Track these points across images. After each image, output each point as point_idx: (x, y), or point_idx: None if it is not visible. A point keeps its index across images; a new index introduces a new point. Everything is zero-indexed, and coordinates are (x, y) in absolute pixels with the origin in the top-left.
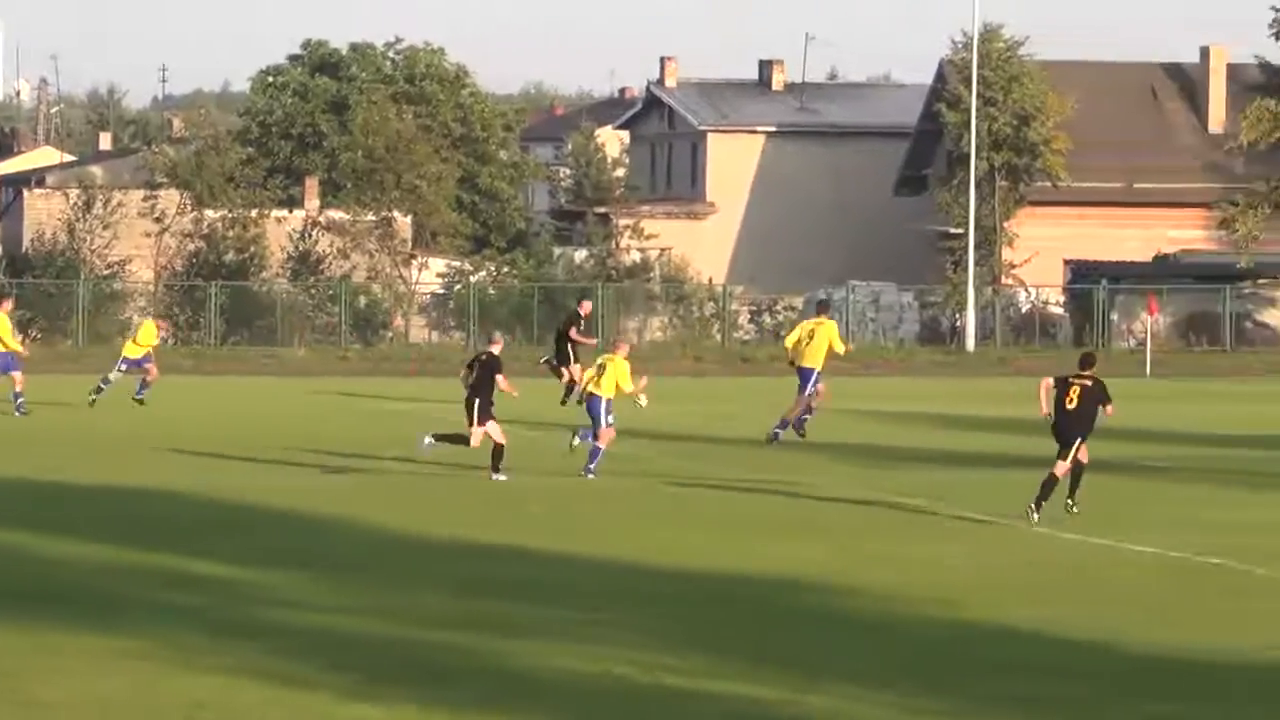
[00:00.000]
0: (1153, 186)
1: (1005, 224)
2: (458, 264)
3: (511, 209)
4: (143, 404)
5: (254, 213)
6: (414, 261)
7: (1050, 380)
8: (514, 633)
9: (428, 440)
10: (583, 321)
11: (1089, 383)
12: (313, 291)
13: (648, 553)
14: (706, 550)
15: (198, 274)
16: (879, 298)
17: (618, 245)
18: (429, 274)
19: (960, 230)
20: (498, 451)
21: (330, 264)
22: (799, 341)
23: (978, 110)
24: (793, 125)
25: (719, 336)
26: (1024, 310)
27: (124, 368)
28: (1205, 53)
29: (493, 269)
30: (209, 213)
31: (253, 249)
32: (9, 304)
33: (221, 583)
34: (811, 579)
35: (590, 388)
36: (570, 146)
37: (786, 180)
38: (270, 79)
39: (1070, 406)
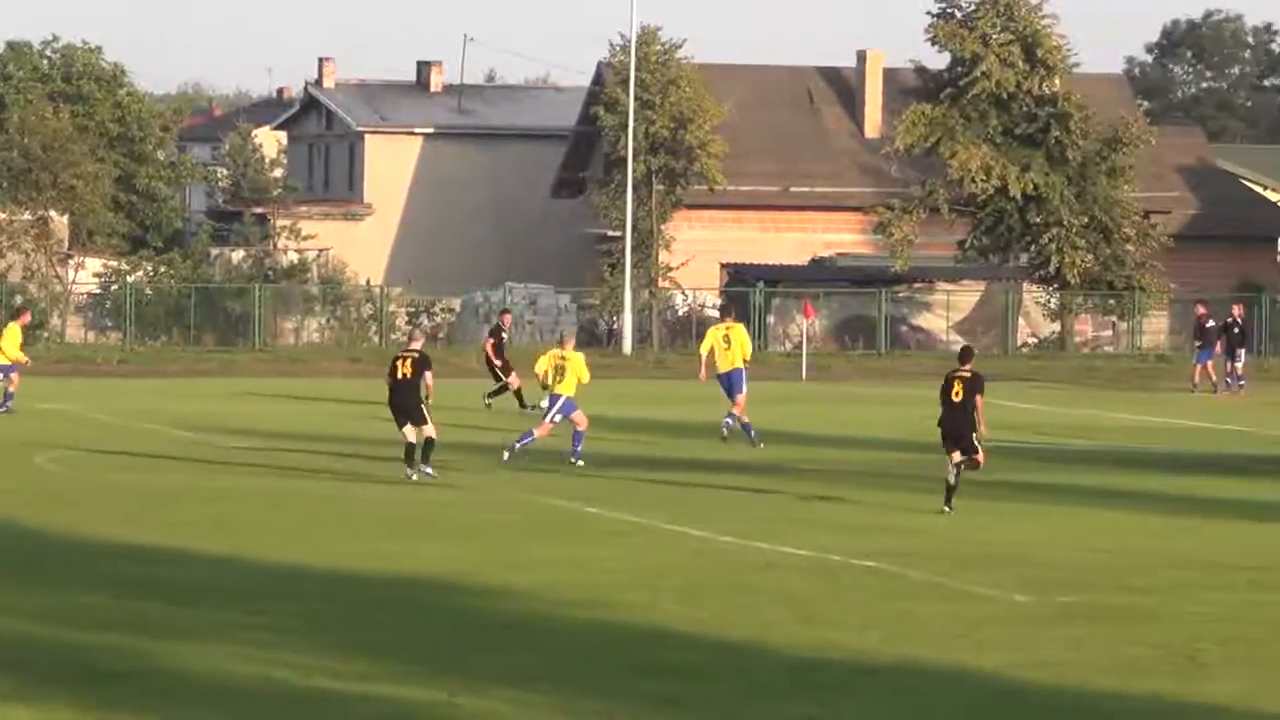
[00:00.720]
0: (809, 190)
1: (662, 227)
2: (114, 264)
3: (169, 209)
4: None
5: None
6: (70, 261)
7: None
8: (172, 635)
9: (428, 472)
10: (504, 336)
11: (967, 375)
12: None
13: (306, 554)
14: (364, 552)
15: None
16: (536, 300)
17: (275, 246)
18: (85, 274)
19: (618, 233)
20: (429, 444)
21: None
22: (713, 349)
23: (635, 113)
24: (451, 127)
25: (376, 338)
26: (681, 313)
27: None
28: (862, 57)
29: (150, 269)
30: None
31: None
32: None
33: None
34: (468, 581)
35: (554, 389)
36: (227, 146)
37: (445, 182)
38: None
39: (955, 400)
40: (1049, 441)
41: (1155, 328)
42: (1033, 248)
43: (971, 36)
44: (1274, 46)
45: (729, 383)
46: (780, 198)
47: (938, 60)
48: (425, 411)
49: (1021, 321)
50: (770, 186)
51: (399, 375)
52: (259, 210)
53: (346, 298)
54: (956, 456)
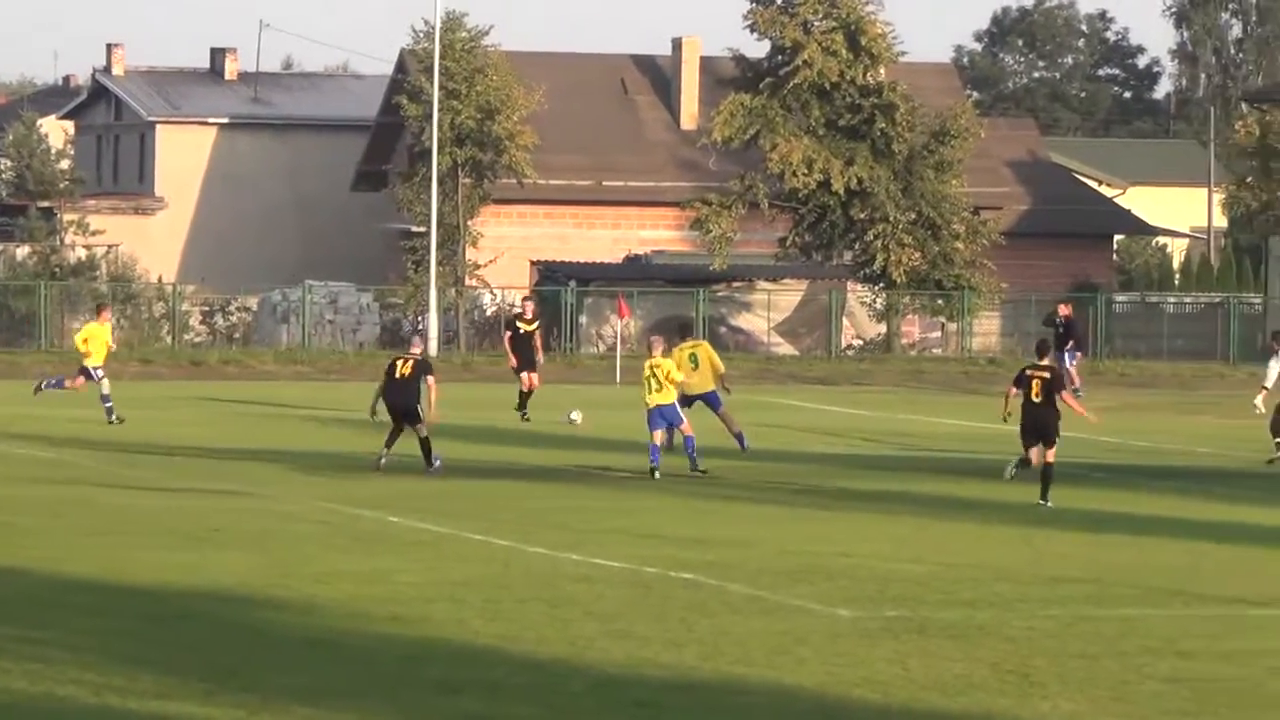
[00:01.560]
0: (623, 185)
1: (469, 222)
2: None
3: None
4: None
5: None
6: None
7: (1012, 386)
8: None
9: (437, 464)
10: (520, 326)
11: (1047, 374)
12: None
13: (94, 566)
14: (156, 563)
15: None
16: (337, 299)
17: (62, 241)
18: None
19: (422, 229)
20: (425, 444)
21: None
22: (686, 373)
23: (440, 103)
24: (246, 117)
25: (169, 338)
26: (489, 313)
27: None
28: (678, 44)
29: None
30: None
31: None
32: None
33: None
34: (266, 594)
35: (656, 400)
36: (11, 137)
37: (240, 175)
38: None
39: (1037, 400)
40: (876, 448)
41: (986, 329)
42: (857, 245)
43: (792, 24)
44: (1109, 35)
45: (697, 401)
46: (593, 192)
47: (757, 49)
48: (421, 413)
49: (846, 322)
50: (582, 180)
51: (397, 375)
52: (45, 204)
53: (137, 296)
54: (1035, 455)
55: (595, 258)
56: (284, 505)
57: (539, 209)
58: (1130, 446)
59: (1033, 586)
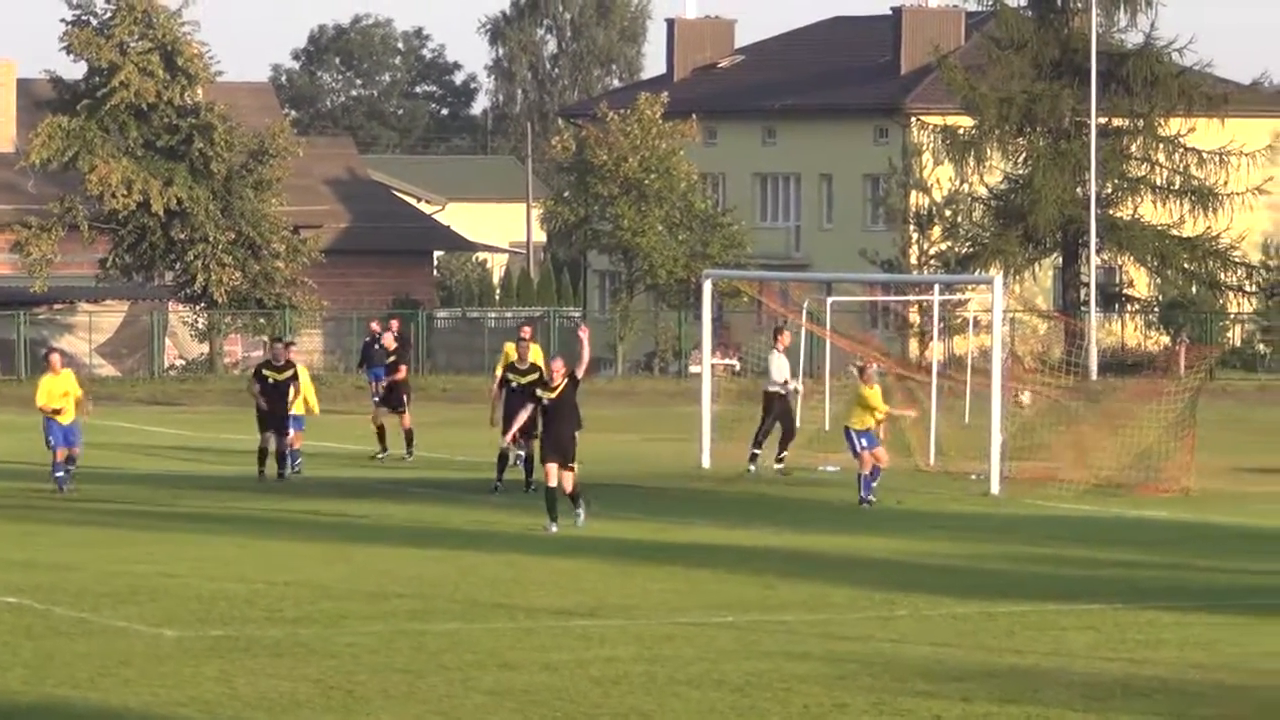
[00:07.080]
0: None
1: None
2: None
3: None
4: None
5: None
6: None
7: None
8: None
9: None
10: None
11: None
12: None
13: None
14: None
15: None
16: None
17: None
18: None
19: None
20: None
21: None
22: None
23: None
24: None
25: None
26: None
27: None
28: None
29: None
30: None
31: None
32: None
33: None
34: None
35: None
36: None
37: None
38: None
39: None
40: (198, 468)
41: (309, 347)
42: (178, 265)
43: (108, 45)
44: (425, 52)
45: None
46: None
47: (75, 70)
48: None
49: (168, 342)
50: None
51: None
52: None
53: None
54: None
55: None
56: None
57: None
58: (451, 462)
59: (355, 603)
